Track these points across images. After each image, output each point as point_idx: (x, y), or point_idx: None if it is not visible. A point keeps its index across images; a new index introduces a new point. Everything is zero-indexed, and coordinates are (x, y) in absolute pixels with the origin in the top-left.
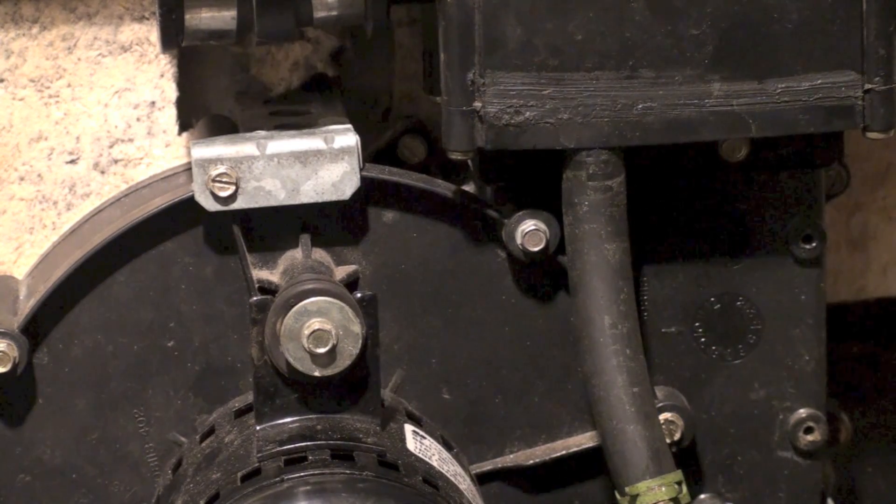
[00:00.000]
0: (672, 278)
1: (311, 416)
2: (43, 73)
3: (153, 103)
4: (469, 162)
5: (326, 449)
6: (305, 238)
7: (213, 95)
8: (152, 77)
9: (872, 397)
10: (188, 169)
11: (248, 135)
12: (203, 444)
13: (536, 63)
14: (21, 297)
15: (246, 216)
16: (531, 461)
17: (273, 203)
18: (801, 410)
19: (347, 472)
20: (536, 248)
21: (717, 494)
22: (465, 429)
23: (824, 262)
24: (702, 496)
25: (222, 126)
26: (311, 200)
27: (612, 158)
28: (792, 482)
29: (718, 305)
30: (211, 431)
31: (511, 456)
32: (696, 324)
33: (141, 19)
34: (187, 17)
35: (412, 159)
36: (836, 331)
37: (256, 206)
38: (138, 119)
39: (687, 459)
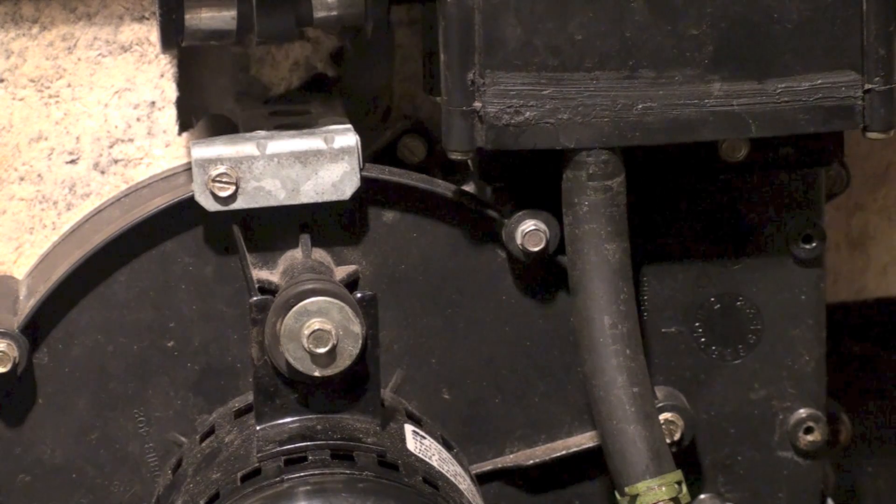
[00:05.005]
0: (672, 278)
1: (311, 416)
2: (43, 73)
3: (153, 103)
4: (469, 162)
5: (326, 449)
6: (305, 238)
7: (213, 95)
8: (152, 77)
9: (872, 397)
10: (188, 169)
11: (248, 135)
12: (203, 444)
13: (536, 63)
14: (21, 297)
15: (246, 216)
16: (531, 461)
17: (273, 203)
18: (801, 410)
19: (347, 472)
20: (536, 248)
21: (717, 494)
22: (465, 429)
23: (824, 262)
24: (702, 496)
25: (222, 126)
26: (311, 200)
27: (612, 158)
28: (792, 482)
29: (718, 305)
30: (211, 431)
31: (511, 456)
32: (696, 324)
33: (141, 19)
34: (187, 17)
35: (412, 159)
36: (836, 331)
37: (256, 206)
38: (138, 119)
39: (687, 459)
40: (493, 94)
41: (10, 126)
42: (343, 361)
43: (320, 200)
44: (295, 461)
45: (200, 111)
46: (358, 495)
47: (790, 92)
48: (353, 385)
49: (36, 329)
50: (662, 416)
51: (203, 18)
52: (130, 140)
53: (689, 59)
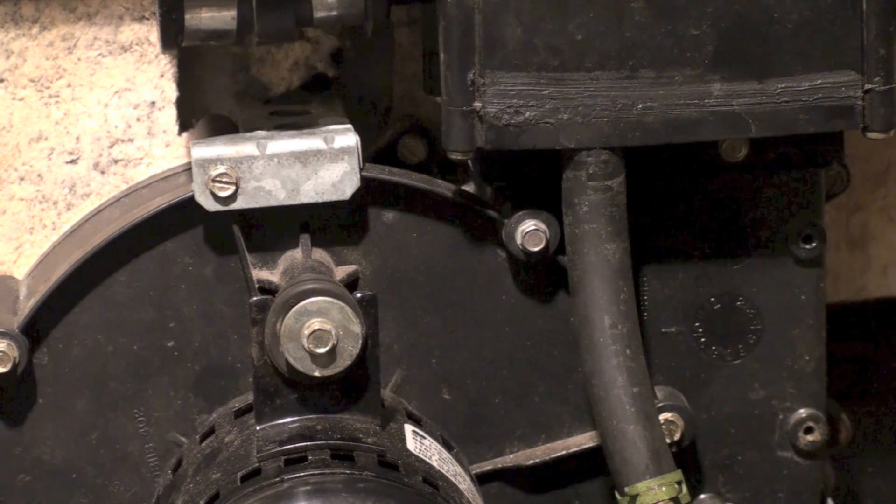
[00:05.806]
0: (672, 278)
1: (311, 416)
2: (43, 73)
3: (153, 103)
4: (469, 162)
5: (326, 449)
6: (305, 238)
7: (213, 95)
8: (152, 77)
9: (872, 397)
10: (188, 169)
11: (248, 135)
12: (203, 444)
13: (536, 63)
14: (21, 297)
15: (246, 216)
16: (531, 461)
17: (273, 203)
18: (801, 410)
19: (347, 472)
20: (536, 248)
21: (717, 494)
22: (465, 429)
23: (824, 262)
24: (702, 496)
25: (222, 126)
26: (311, 200)
27: (612, 158)
28: (792, 482)
29: (718, 305)
30: (211, 431)
31: (511, 456)
32: (696, 324)
33: (141, 19)
34: (187, 17)
35: (412, 159)
36: (836, 331)
37: (256, 206)
38: (138, 119)
39: (687, 459)
40: (493, 94)
41: (10, 126)
42: (343, 361)
43: (320, 200)
44: (295, 461)
45: (200, 111)
46: (358, 495)
47: (790, 92)
48: (353, 385)
49: (36, 329)
50: (662, 416)
51: (203, 18)
52: (130, 140)
53: (689, 59)
